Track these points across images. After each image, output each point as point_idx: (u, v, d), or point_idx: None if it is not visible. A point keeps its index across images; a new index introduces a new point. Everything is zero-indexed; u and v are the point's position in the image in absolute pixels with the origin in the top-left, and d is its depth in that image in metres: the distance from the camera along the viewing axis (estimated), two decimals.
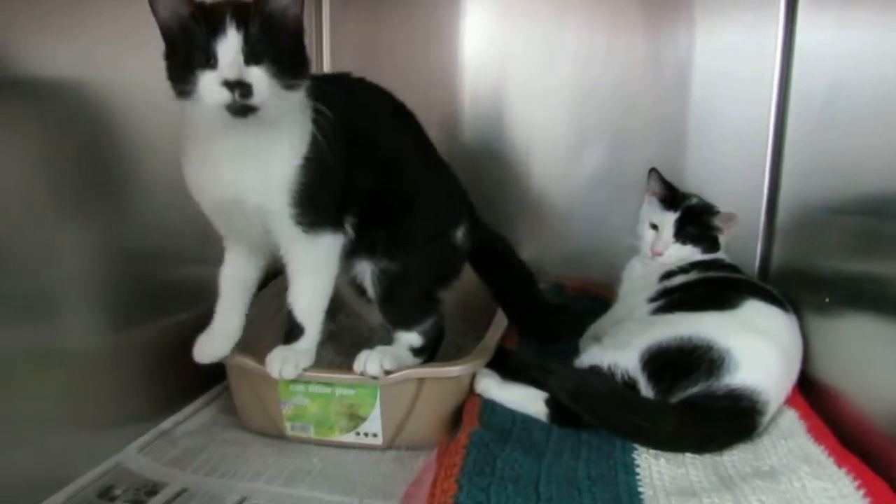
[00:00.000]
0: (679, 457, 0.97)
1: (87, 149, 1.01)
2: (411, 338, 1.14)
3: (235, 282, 1.11)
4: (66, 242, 0.99)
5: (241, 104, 0.86)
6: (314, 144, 0.98)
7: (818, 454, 0.93)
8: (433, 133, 1.23)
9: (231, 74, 0.85)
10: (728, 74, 1.47)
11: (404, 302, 1.15)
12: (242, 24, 0.86)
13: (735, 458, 0.97)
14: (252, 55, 0.87)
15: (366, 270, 1.13)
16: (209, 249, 1.11)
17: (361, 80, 1.15)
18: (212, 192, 0.99)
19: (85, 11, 1.00)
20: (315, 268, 1.07)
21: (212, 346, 1.09)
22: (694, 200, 1.33)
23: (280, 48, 0.89)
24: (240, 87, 0.85)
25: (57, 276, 0.97)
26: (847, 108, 1.11)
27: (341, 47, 1.67)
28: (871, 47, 1.04)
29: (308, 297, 1.07)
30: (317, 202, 1.01)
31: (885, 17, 1.00)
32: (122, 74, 1.04)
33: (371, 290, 1.14)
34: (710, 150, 1.51)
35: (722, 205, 1.33)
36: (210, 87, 0.86)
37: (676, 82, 1.51)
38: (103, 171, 1.05)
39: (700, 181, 1.45)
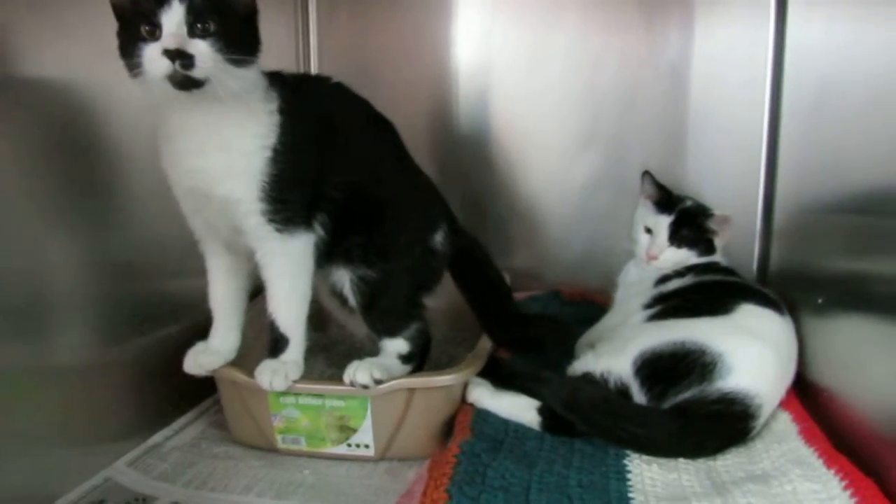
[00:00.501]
0: (672, 462, 0.96)
1: (72, 159, 1.02)
2: (398, 345, 1.14)
3: (225, 299, 1.11)
4: (53, 257, 0.99)
5: (183, 75, 0.86)
6: (282, 136, 0.98)
7: (809, 456, 0.92)
8: (424, 138, 1.24)
9: (172, 44, 0.85)
10: (723, 74, 1.46)
11: (386, 309, 1.14)
12: None
13: (729, 462, 0.96)
14: (196, 27, 0.87)
15: (344, 279, 1.12)
16: (195, 263, 1.10)
17: (339, 84, 1.14)
18: (182, 181, 1.00)
19: (68, 10, 1.00)
20: (291, 270, 1.06)
21: (203, 357, 1.09)
22: (688, 203, 1.32)
23: (227, 22, 0.89)
24: (181, 57, 0.85)
25: (44, 291, 0.97)
26: (837, 106, 1.10)
27: (329, 51, 1.67)
28: (860, 41, 1.03)
29: (287, 304, 1.06)
30: (288, 198, 1.00)
31: (873, 10, 0.99)
32: (105, 78, 1.00)
33: (351, 299, 1.13)
34: (709, 152, 1.50)
35: (720, 206, 1.32)
36: (153, 57, 0.86)
37: (673, 85, 1.50)
38: (88, 184, 1.05)
39: (699, 183, 1.45)
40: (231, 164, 0.97)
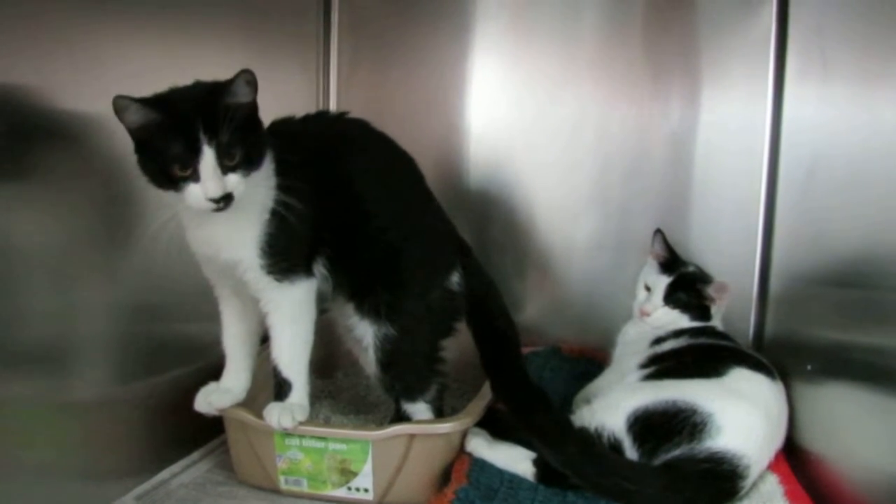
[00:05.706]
0: None
1: (99, 206, 1.06)
2: (419, 409, 1.18)
3: (236, 341, 1.15)
4: (77, 298, 1.03)
5: (224, 206, 0.94)
6: (280, 196, 1.02)
7: None
8: (435, 193, 1.24)
9: (215, 193, 0.92)
10: (724, 144, 1.50)
11: (405, 369, 1.16)
12: (214, 138, 0.91)
13: None
14: (227, 164, 0.93)
15: (368, 333, 1.15)
16: (208, 308, 1.14)
17: (357, 121, 1.18)
18: (191, 244, 1.05)
19: (106, 45, 1.05)
20: (292, 317, 1.08)
21: (214, 396, 1.12)
22: (691, 268, 1.36)
23: (247, 145, 0.95)
24: (224, 200, 0.93)
25: (66, 330, 1.01)
26: (825, 181, 1.15)
27: (348, 106, 1.63)
28: (846, 121, 1.08)
29: (289, 350, 1.09)
30: (285, 251, 1.04)
31: (858, 94, 1.05)
32: None
33: (372, 354, 1.15)
34: (709, 219, 1.53)
35: (718, 272, 1.36)
36: (197, 196, 0.92)
37: (676, 153, 1.54)
38: (113, 229, 1.09)
39: (699, 248, 1.48)
40: (235, 232, 1.02)
